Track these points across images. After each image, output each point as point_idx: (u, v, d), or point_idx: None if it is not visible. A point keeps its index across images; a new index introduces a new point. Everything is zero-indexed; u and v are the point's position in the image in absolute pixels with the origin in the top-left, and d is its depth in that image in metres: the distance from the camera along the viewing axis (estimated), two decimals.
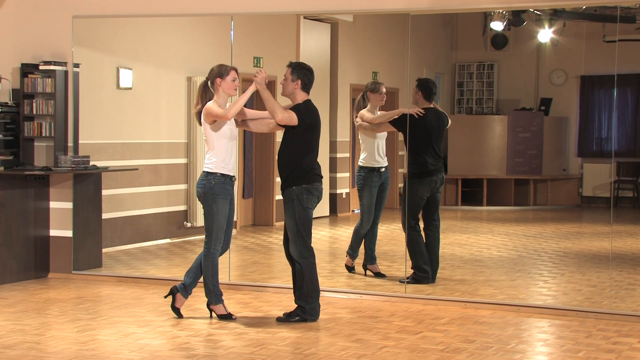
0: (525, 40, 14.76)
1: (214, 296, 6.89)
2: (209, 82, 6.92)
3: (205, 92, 6.91)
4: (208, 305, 6.95)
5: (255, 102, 8.91)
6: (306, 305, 6.84)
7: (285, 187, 6.87)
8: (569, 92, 14.86)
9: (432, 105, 8.24)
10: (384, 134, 8.54)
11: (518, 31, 14.59)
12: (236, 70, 6.93)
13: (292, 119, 6.75)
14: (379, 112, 8.44)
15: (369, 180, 8.46)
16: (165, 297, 7.07)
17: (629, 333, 6.55)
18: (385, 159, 8.58)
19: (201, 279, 6.96)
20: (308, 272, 6.81)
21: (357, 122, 8.51)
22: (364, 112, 8.44)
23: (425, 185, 8.22)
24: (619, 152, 14.28)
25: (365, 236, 8.55)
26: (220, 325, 6.68)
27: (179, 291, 6.97)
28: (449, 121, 8.39)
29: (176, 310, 6.98)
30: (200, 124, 6.94)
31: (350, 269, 8.67)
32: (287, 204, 6.84)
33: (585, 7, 12.83)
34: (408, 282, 8.04)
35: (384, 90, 8.46)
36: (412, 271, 8.20)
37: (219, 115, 6.73)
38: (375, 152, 8.49)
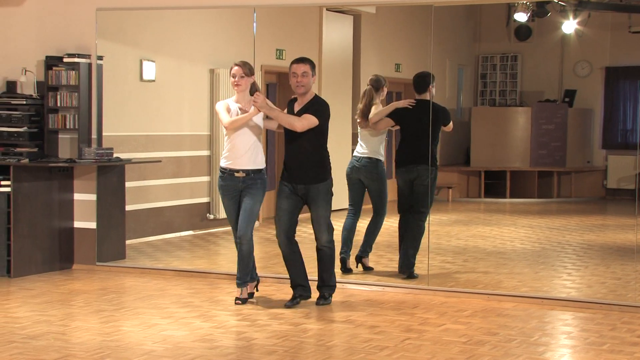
0: (549, 31, 14.65)
1: (239, 279, 7.11)
2: None
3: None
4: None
5: None
6: (334, 282, 7.19)
7: (319, 181, 7.03)
8: (593, 84, 14.74)
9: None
10: (385, 131, 8.45)
11: (542, 22, 14.48)
12: (240, 66, 7.02)
13: (312, 122, 6.93)
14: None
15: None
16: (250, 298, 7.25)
17: None
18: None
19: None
20: (333, 254, 7.17)
21: (371, 121, 8.33)
22: (373, 110, 8.33)
23: (400, 174, 8.20)
24: None
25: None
26: (243, 317, 6.70)
27: (245, 283, 7.15)
28: (449, 120, 8.21)
29: (251, 294, 7.23)
30: None
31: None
32: (323, 198, 7.06)
33: None
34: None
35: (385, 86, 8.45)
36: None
37: (220, 120, 7.05)
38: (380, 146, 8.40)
